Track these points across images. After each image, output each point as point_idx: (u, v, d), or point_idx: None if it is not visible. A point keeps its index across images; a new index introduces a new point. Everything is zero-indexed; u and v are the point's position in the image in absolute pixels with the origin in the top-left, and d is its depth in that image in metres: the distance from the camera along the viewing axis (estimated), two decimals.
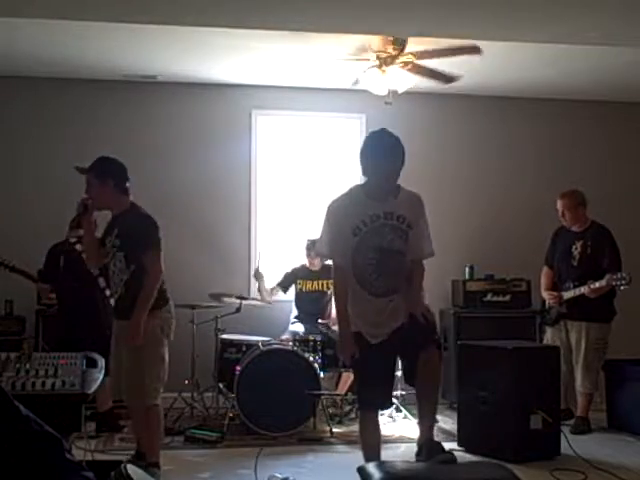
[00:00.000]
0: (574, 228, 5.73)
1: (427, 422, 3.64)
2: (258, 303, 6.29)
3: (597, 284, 5.41)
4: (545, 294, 5.86)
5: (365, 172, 3.66)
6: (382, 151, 3.58)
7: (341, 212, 3.65)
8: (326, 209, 3.73)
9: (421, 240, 3.71)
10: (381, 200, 3.63)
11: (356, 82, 5.90)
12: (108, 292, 4.89)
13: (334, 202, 3.71)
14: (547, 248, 5.95)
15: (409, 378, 3.70)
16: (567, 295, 5.62)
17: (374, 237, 3.60)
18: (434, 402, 3.70)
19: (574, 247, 5.68)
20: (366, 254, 3.61)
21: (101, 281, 5.24)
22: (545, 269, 5.93)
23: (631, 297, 6.17)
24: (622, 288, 5.38)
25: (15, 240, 6.06)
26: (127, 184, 4.33)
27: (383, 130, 3.67)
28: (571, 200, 5.70)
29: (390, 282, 3.65)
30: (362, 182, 3.80)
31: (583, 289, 5.48)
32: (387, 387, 3.80)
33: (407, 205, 3.67)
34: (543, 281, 5.92)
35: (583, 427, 5.52)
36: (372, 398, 3.77)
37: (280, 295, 6.43)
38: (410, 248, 3.67)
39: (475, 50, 5.23)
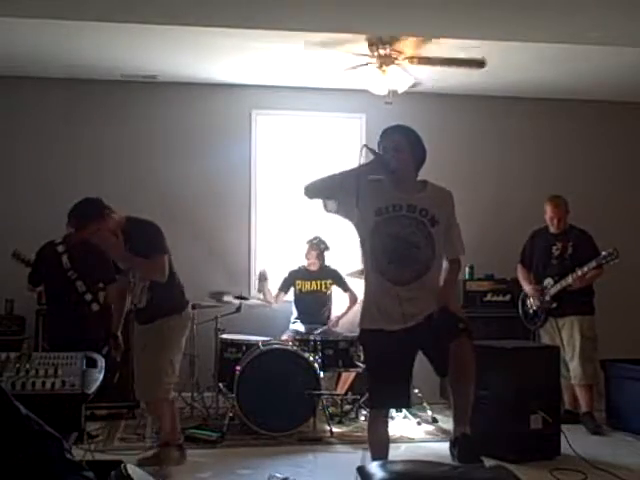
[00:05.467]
0: (554, 230, 5.82)
1: (462, 415, 3.45)
2: (258, 303, 6.30)
3: (585, 268, 5.46)
4: (529, 287, 5.89)
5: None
6: (387, 145, 3.64)
7: (374, 185, 3.63)
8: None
9: (454, 238, 3.73)
10: (405, 192, 3.63)
11: (354, 68, 5.81)
12: (89, 297, 5.18)
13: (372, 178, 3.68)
14: (524, 247, 6.05)
15: (441, 371, 3.51)
16: (553, 290, 5.67)
17: (394, 225, 3.58)
18: (470, 394, 3.45)
19: (555, 247, 5.79)
20: (383, 239, 3.58)
21: (79, 285, 5.19)
22: (521, 267, 6.02)
23: (631, 297, 6.18)
24: (612, 264, 5.39)
25: (11, 239, 6.04)
26: (105, 209, 4.37)
27: (394, 125, 3.73)
28: (565, 207, 5.82)
29: (403, 272, 3.56)
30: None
31: (570, 278, 5.55)
32: (403, 385, 3.64)
33: (433, 200, 3.65)
34: (523, 277, 5.99)
35: (594, 423, 5.55)
36: (386, 397, 3.64)
37: (282, 296, 6.47)
38: (444, 246, 3.65)
39: (480, 65, 5.24)
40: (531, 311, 5.90)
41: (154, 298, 4.42)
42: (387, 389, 3.60)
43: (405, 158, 3.64)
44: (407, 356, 3.60)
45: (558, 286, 5.65)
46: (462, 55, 5.59)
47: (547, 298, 5.73)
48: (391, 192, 3.62)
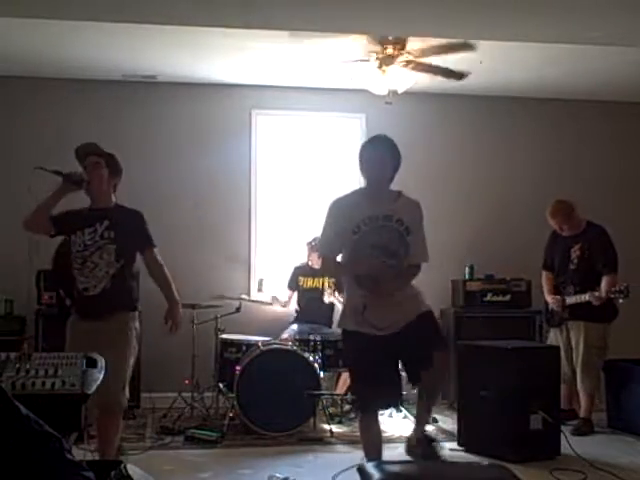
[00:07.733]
0: (571, 233, 5.72)
1: (426, 417, 3.84)
2: (258, 303, 6.31)
3: (597, 294, 5.39)
4: (549, 298, 5.81)
5: (362, 175, 3.82)
6: (371, 157, 3.74)
7: (343, 211, 3.73)
8: (328, 206, 3.79)
9: (422, 246, 3.83)
10: (381, 203, 3.73)
11: (354, 71, 5.82)
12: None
13: (337, 201, 3.79)
14: (545, 251, 5.93)
15: (414, 379, 3.71)
16: (570, 301, 5.59)
17: (372, 235, 3.68)
18: (439, 398, 3.90)
19: (572, 250, 5.67)
20: (364, 251, 3.67)
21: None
22: (545, 273, 5.90)
23: (631, 297, 6.17)
24: (620, 301, 5.35)
25: (10, 240, 6.03)
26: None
27: (377, 136, 3.85)
28: (564, 213, 5.67)
29: (379, 281, 3.66)
30: (364, 186, 3.90)
31: (587, 296, 5.44)
32: (387, 385, 3.71)
33: (406, 210, 3.77)
34: (545, 285, 5.88)
35: (584, 429, 5.51)
36: (371, 398, 3.71)
37: (292, 294, 6.50)
38: (413, 253, 3.76)
39: (468, 47, 5.23)
40: (550, 309, 5.81)
41: (114, 286, 4.04)
42: (371, 390, 3.67)
43: (386, 173, 3.75)
44: (387, 359, 3.69)
45: (574, 299, 5.55)
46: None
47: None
48: (366, 207, 3.71)
